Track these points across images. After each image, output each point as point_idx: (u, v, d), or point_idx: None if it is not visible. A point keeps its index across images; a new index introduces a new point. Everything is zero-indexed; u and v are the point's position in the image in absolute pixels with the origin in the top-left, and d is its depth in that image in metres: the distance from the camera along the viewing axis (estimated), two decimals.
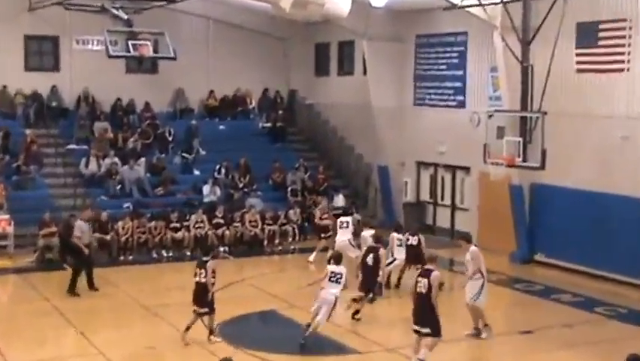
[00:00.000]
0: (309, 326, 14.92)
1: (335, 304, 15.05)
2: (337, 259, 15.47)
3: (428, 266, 13.66)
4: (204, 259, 15.32)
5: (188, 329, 15.05)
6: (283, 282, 20.79)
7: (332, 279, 15.05)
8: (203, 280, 14.93)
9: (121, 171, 25.77)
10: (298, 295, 18.02)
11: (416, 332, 13.44)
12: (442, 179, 26.59)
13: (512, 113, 21.04)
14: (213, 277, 15.02)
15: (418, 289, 13.35)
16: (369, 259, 16.86)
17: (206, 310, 14.95)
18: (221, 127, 30.13)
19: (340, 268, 15.19)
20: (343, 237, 20.45)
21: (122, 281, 20.27)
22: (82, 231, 19.19)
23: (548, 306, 18.33)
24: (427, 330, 13.30)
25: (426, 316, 13.25)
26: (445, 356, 14.21)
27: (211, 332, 15.04)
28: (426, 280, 13.30)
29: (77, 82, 28.18)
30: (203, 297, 14.92)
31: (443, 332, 13.55)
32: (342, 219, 21.06)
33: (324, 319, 14.85)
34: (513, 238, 22.99)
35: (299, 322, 16.23)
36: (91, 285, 18.98)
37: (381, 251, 17.14)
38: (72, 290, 18.65)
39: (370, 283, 16.77)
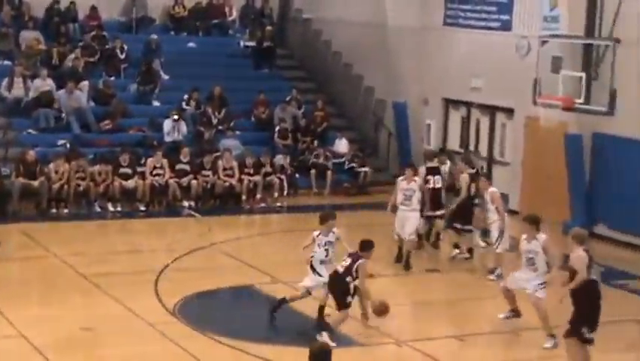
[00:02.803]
0: None
1: None
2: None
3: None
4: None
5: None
6: (265, 249, 20.78)
7: None
8: (341, 270, 14.36)
9: (56, 97, 25.49)
10: (284, 268, 17.93)
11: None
12: (477, 123, 26.58)
13: (573, 39, 20.88)
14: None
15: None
16: None
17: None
18: (191, 44, 30.13)
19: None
20: None
21: (54, 242, 20.09)
22: None
23: (611, 294, 17.68)
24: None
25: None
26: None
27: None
28: None
29: None
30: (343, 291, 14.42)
31: None
32: None
33: None
34: (567, 203, 22.87)
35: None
36: None
37: None
38: None
39: None
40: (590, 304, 12.77)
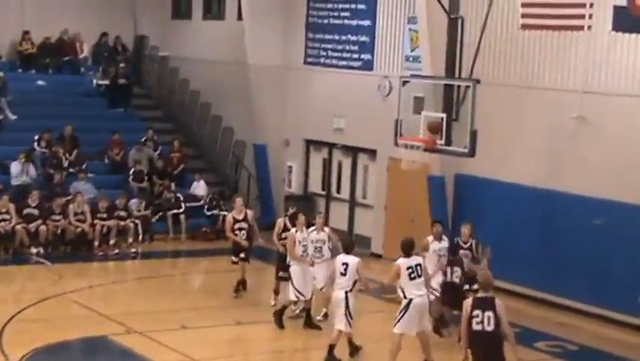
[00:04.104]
0: None
1: None
2: None
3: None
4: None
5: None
6: (119, 298, 20.57)
7: None
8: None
9: None
10: (139, 317, 17.85)
11: None
12: (339, 165, 26.81)
13: (434, 80, 21.18)
14: None
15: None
16: None
17: None
18: (40, 82, 29.81)
19: None
20: None
21: None
22: None
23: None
24: None
25: None
26: None
27: None
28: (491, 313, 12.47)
29: None
30: None
31: None
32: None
33: None
34: None
35: (139, 353, 16.05)
36: None
37: None
38: None
39: None
40: (474, 355, 12.52)
